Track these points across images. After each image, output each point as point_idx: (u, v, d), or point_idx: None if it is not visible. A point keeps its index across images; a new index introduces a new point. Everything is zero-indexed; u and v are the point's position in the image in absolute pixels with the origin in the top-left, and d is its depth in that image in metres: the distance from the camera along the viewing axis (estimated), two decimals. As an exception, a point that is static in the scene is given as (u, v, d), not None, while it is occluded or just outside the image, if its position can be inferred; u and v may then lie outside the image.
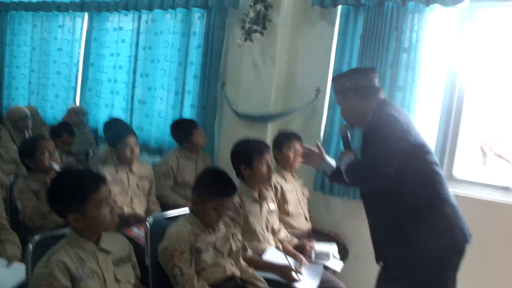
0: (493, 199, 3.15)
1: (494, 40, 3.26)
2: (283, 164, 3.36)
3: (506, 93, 3.26)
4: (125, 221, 3.19)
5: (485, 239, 2.97)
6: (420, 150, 2.23)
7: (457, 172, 3.37)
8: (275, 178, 3.26)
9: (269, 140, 3.60)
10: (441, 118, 3.31)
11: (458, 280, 2.29)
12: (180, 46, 4.26)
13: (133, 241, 2.68)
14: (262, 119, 3.75)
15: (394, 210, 2.22)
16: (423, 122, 3.35)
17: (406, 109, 3.27)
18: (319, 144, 2.63)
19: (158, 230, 2.45)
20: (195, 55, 4.20)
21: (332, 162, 2.56)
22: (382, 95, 2.39)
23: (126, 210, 3.29)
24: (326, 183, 3.59)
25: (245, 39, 3.71)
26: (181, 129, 3.82)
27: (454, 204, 2.24)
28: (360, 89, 2.34)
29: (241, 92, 3.89)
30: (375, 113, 2.29)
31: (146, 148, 4.39)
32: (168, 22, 4.36)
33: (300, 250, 3.00)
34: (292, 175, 3.43)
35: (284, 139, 3.34)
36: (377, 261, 2.43)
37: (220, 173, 2.52)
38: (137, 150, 3.35)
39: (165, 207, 3.51)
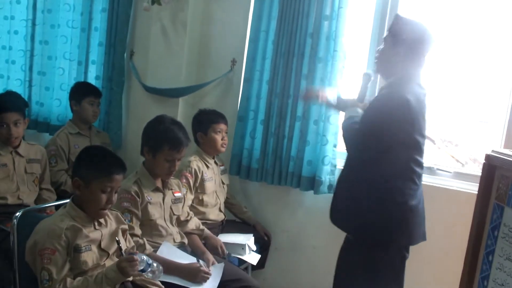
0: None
1: (421, 9, 3.04)
2: (207, 149, 3.03)
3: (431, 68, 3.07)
4: (8, 213, 2.76)
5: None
6: (410, 144, 2.16)
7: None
8: (197, 164, 2.93)
9: (180, 117, 3.26)
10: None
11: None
12: (83, 10, 3.75)
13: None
14: (173, 93, 3.36)
15: (368, 186, 2.19)
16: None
17: (327, 82, 3.01)
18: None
19: (32, 225, 2.03)
20: (99, 20, 3.71)
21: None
22: (421, 74, 2.26)
23: (11, 199, 2.86)
24: (242, 166, 3.28)
25: (153, 2, 3.28)
26: (73, 92, 3.45)
27: (418, 201, 2.21)
28: (413, 50, 2.20)
29: (150, 63, 3.48)
30: (399, 80, 2.20)
31: (46, 126, 3.90)
32: (69, -19, 3.84)
33: (210, 247, 2.71)
34: (215, 162, 3.10)
35: (211, 121, 2.99)
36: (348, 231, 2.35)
37: (105, 149, 2.21)
38: (18, 130, 2.88)
39: (62, 195, 3.10)
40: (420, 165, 2.21)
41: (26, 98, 4.00)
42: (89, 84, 3.60)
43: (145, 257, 1.96)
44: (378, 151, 2.13)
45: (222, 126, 3.03)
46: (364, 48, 3.12)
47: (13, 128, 2.83)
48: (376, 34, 3.07)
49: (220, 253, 2.72)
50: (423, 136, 2.21)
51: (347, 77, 3.06)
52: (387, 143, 2.12)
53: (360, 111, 2.32)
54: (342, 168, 2.39)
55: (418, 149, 2.19)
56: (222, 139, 3.02)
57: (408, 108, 2.10)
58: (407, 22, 2.24)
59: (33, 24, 3.97)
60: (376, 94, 2.35)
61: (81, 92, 3.42)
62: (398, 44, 2.20)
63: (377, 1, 3.04)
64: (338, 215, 2.33)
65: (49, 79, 3.95)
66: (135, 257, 1.92)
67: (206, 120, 3.01)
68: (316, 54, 3.02)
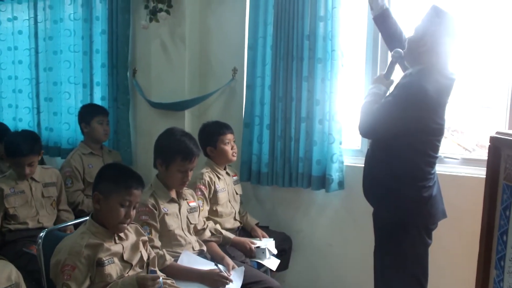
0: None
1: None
2: (219, 160, 3.06)
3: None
4: (30, 237, 2.84)
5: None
6: (427, 131, 2.23)
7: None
8: (209, 176, 2.98)
9: (187, 129, 3.30)
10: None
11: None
12: (83, 34, 3.87)
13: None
14: (178, 106, 3.42)
15: (386, 167, 2.29)
16: (350, 93, 3.17)
17: (328, 82, 3.06)
18: None
19: (54, 245, 2.09)
20: (100, 42, 3.82)
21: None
22: (448, 64, 2.25)
23: (31, 224, 2.95)
24: (253, 172, 3.32)
25: (150, 20, 3.37)
26: (82, 115, 3.55)
27: (434, 183, 2.31)
28: (441, 43, 2.19)
29: (152, 79, 3.55)
30: (422, 70, 2.21)
31: (58, 150, 4.00)
32: (67, 7, 3.96)
33: (240, 249, 2.83)
34: (227, 172, 3.14)
35: (217, 133, 3.02)
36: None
37: (124, 166, 2.29)
38: (32, 169, 2.96)
39: (80, 215, 3.16)
40: (436, 150, 2.29)
41: (35, 125, 4.11)
42: (95, 105, 3.69)
43: (161, 281, 2.02)
44: (396, 136, 2.21)
45: (230, 136, 3.06)
46: (361, 45, 3.16)
47: (27, 168, 2.92)
48: (372, 30, 3.11)
49: (250, 252, 2.85)
50: (441, 124, 2.26)
51: (348, 75, 3.11)
52: (403, 129, 2.18)
53: (383, 88, 2.34)
54: (369, 146, 2.45)
55: (435, 135, 2.25)
56: (231, 149, 3.07)
57: (425, 97, 2.13)
58: (439, 14, 2.23)
59: (36, 52, 4.10)
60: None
61: (89, 113, 3.51)
62: (426, 35, 2.21)
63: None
64: (365, 192, 2.44)
65: (56, 104, 4.06)
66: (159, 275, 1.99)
67: (213, 133, 3.03)
68: (314, 55, 3.07)
